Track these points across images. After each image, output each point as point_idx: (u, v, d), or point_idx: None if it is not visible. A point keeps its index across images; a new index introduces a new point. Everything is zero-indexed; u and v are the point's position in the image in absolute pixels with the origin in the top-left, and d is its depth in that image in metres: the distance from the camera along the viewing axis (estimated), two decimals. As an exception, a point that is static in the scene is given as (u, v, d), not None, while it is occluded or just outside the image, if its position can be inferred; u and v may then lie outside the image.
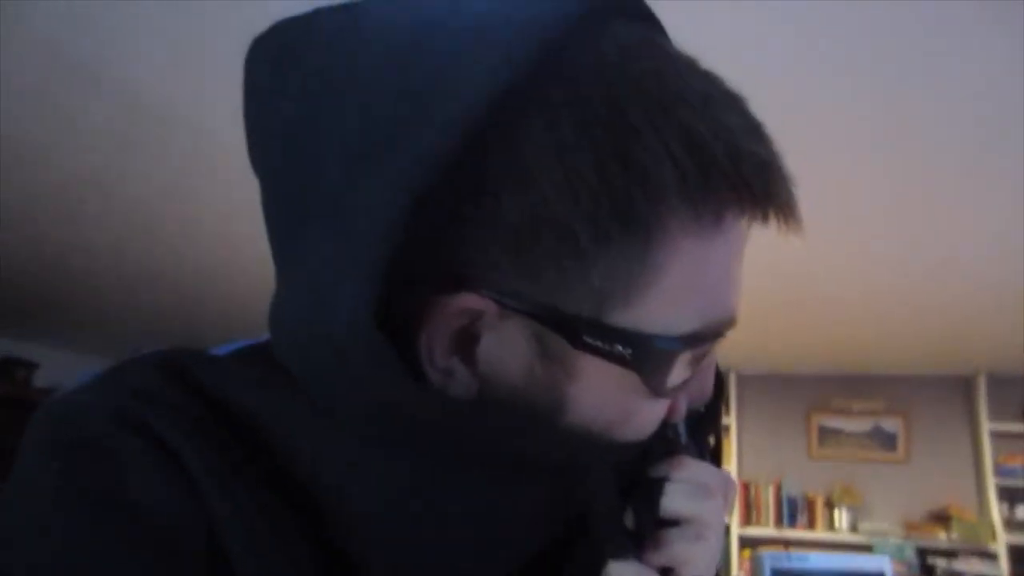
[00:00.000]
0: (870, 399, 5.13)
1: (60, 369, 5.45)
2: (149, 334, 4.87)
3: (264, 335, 0.42)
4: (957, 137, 2.00)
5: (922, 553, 4.64)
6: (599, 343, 0.34)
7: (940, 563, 4.55)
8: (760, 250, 2.59)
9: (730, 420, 5.23)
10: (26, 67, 1.94)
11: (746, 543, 4.87)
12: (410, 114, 0.32)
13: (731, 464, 5.13)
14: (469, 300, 0.35)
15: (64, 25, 1.77)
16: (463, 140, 0.32)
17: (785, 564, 2.30)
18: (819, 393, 5.23)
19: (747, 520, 5.02)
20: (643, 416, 0.39)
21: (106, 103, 2.10)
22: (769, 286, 3.38)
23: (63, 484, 0.35)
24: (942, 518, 4.74)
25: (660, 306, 0.35)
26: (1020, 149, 2.02)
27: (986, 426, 4.77)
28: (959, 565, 4.51)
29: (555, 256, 0.33)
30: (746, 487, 5.10)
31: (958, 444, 4.95)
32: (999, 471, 4.72)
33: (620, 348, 0.34)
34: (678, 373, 0.37)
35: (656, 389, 0.36)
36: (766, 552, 2.42)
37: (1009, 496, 4.66)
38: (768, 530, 4.94)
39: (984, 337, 4.06)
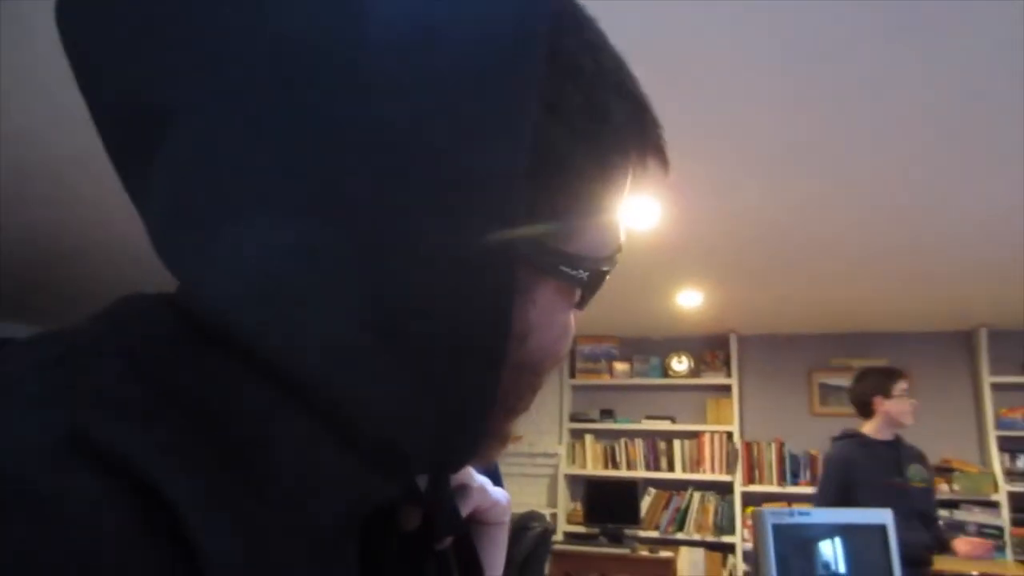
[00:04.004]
0: (871, 357, 5.15)
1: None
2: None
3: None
4: (956, 94, 1.98)
5: (926, 506, 4.70)
6: (567, 269, 0.39)
7: (943, 514, 4.61)
8: (757, 210, 2.60)
9: (732, 382, 5.27)
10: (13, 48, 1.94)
11: (749, 500, 4.95)
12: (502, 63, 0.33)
13: (734, 425, 5.18)
14: None
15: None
16: None
17: (787, 520, 2.34)
18: (820, 352, 5.26)
19: (750, 479, 5.09)
20: (571, 329, 0.43)
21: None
22: (766, 246, 3.38)
23: None
24: (944, 470, 4.80)
25: (596, 233, 0.40)
26: (1020, 107, 2.01)
27: (987, 380, 4.82)
28: (961, 515, 4.59)
29: (548, 196, 0.37)
30: (749, 447, 5.15)
31: (960, 398, 4.99)
32: (1000, 423, 4.77)
33: (580, 272, 0.40)
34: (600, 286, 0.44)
35: (585, 304, 0.43)
36: (767, 508, 2.46)
37: (1010, 447, 4.71)
38: (771, 487, 5.01)
39: (984, 292, 4.07)
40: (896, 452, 3.02)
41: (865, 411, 3.11)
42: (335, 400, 0.34)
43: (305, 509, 0.34)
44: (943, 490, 4.70)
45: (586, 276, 0.40)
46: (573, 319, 0.44)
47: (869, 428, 3.07)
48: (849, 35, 1.75)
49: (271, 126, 0.31)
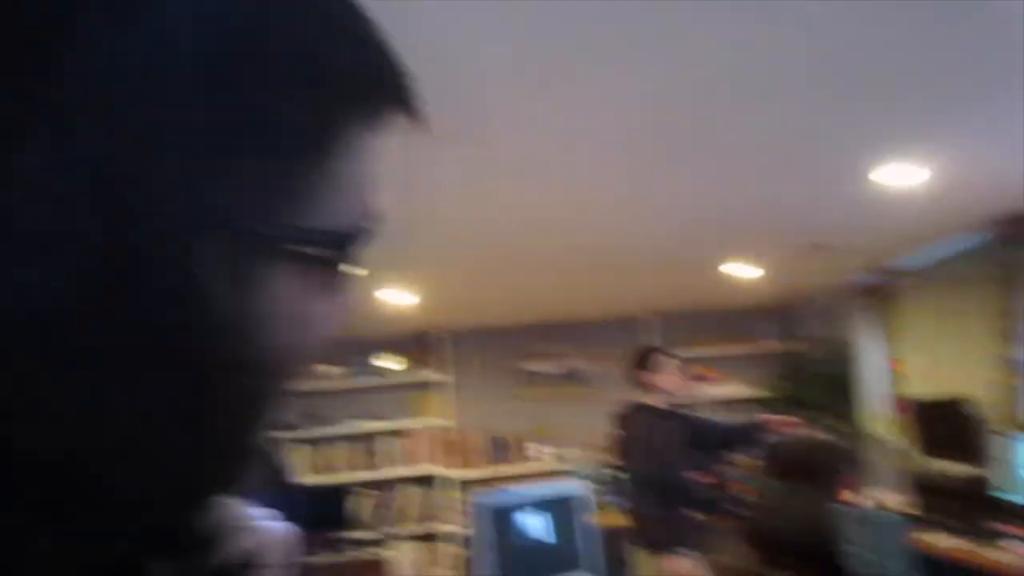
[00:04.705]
0: (568, 343, 5.71)
1: None
2: None
3: None
4: (651, 100, 2.18)
5: (608, 469, 5.35)
6: (297, 247, 0.33)
7: (621, 475, 5.28)
8: (464, 209, 2.67)
9: (443, 376, 5.47)
10: None
11: (463, 486, 5.19)
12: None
13: (446, 417, 5.39)
14: None
15: None
16: None
17: (498, 500, 2.51)
18: (523, 341, 5.70)
19: (462, 466, 5.34)
20: (323, 319, 0.37)
21: None
22: (474, 246, 3.56)
23: None
24: (624, 438, 5.51)
25: (337, 202, 0.35)
26: (708, 110, 2.34)
27: (654, 356, 5.60)
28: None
29: (254, 163, 0.31)
30: (460, 436, 5.41)
31: (633, 374, 5.74)
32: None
33: (315, 249, 0.34)
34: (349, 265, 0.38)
35: (337, 285, 0.36)
36: (480, 493, 2.61)
37: (672, 412, 5.54)
38: (481, 472, 5.31)
39: (653, 283, 4.73)
40: (671, 414, 3.41)
41: (640, 385, 3.47)
42: (9, 445, 0.28)
43: None
44: (622, 456, 5.38)
45: (328, 253, 0.34)
46: (342, 305, 0.38)
47: (648, 399, 3.44)
48: (543, 19, 1.78)
49: None
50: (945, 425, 3.94)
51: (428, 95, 0.40)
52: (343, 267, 0.36)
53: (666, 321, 5.70)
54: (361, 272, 0.39)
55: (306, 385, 5.29)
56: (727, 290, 5.00)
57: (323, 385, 5.36)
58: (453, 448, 5.36)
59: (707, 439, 3.38)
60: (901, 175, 2.81)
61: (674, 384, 3.45)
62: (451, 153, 2.45)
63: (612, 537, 4.30)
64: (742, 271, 4.46)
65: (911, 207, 3.21)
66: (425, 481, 5.30)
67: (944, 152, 2.66)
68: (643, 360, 3.52)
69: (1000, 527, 3.26)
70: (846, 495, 4.33)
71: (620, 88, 2.10)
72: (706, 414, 3.61)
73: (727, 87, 2.12)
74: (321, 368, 5.37)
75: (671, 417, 3.38)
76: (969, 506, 3.49)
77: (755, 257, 4.22)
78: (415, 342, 5.57)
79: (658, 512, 3.22)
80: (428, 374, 5.48)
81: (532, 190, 2.90)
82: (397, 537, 5.14)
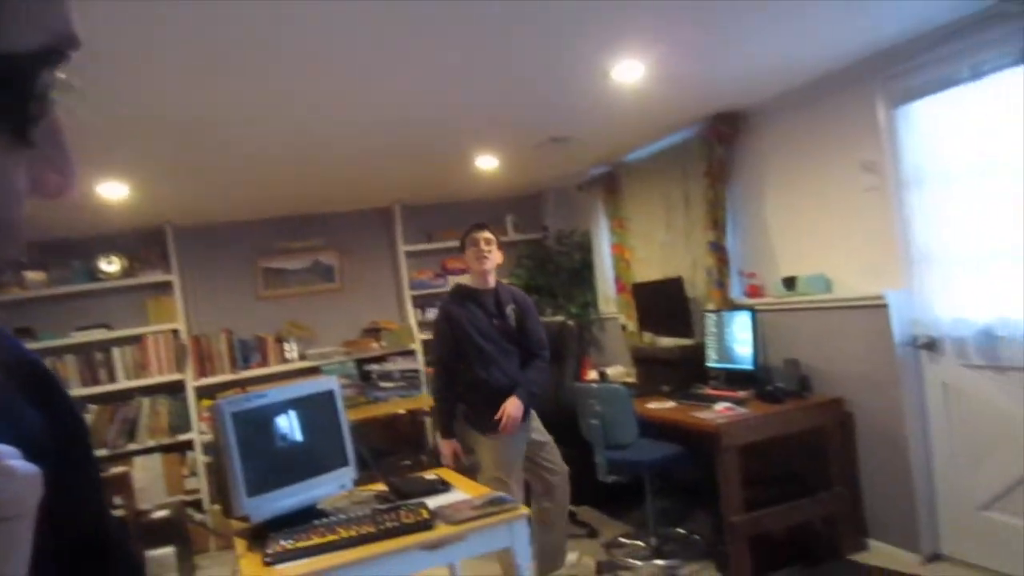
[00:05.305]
0: (310, 238, 5.47)
1: None
2: None
3: None
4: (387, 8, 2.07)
5: (360, 363, 5.36)
6: None
7: (375, 368, 5.34)
8: (183, 100, 2.37)
9: (173, 277, 5.00)
10: None
11: (204, 394, 4.89)
12: None
13: (180, 321, 4.97)
14: None
15: None
16: None
17: (244, 405, 2.37)
18: (262, 238, 5.35)
19: (203, 372, 5.01)
20: (14, 177, 0.30)
21: None
22: (194, 137, 3.20)
23: None
24: (373, 331, 5.51)
25: (7, 17, 0.28)
26: (442, 8, 2.22)
27: (402, 248, 5.60)
28: (388, 366, 5.36)
29: None
30: (197, 341, 5.04)
31: (383, 267, 5.70)
32: (413, 285, 5.64)
33: None
34: (42, 109, 0.30)
35: (27, 138, 0.29)
36: (223, 399, 2.44)
37: (420, 303, 5.63)
38: (225, 377, 5.03)
39: (398, 174, 4.63)
40: (496, 296, 3.34)
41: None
42: None
43: None
44: (373, 348, 5.39)
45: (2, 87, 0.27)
46: (41, 165, 0.31)
47: (466, 279, 3.41)
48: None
49: None
50: (663, 304, 4.44)
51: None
52: (32, 109, 0.28)
53: (414, 212, 5.69)
54: (57, 118, 0.30)
55: (12, 294, 4.57)
56: (473, 182, 5.08)
57: (31, 294, 4.67)
58: (192, 354, 4.99)
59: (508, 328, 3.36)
60: (625, 71, 2.97)
61: (474, 263, 3.34)
62: (171, 36, 2.13)
63: (364, 431, 4.39)
64: (487, 163, 4.54)
65: (637, 103, 3.44)
66: (163, 389, 4.91)
67: (659, 51, 2.83)
68: (463, 240, 3.41)
69: (711, 391, 3.80)
70: (583, 373, 4.78)
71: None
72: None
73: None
74: (28, 274, 4.65)
75: (479, 297, 3.34)
76: (685, 375, 4.02)
77: (499, 150, 4.30)
78: (139, 241, 5.00)
79: (453, 395, 3.33)
80: (155, 276, 4.98)
81: (266, 83, 2.64)
82: (141, 451, 4.77)
